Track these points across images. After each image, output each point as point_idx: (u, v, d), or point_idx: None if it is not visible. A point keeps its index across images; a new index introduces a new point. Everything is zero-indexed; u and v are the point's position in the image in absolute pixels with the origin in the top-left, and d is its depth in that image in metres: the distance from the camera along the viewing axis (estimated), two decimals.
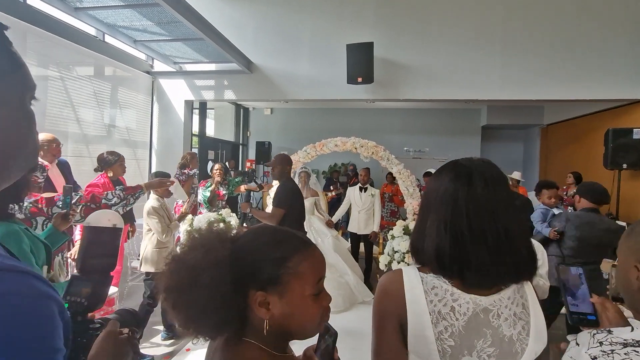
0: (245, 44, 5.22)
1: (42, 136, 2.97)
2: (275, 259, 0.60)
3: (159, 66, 5.74)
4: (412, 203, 4.81)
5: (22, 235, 1.18)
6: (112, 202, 1.74)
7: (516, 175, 5.11)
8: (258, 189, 4.33)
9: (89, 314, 0.64)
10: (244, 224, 3.07)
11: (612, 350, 0.61)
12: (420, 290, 0.73)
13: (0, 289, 0.38)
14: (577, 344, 0.68)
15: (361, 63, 4.85)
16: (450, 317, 0.71)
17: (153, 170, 5.73)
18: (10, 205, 1.25)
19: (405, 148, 8.23)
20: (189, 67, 5.81)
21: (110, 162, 2.96)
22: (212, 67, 5.71)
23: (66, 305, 0.55)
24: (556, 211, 2.73)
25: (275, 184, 3.81)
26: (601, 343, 0.63)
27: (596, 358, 0.62)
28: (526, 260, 0.72)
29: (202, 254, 0.59)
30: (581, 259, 2.31)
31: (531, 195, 4.82)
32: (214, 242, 0.61)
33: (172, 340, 2.90)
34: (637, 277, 0.68)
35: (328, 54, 5.27)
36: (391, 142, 7.07)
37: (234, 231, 0.66)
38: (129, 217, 3.14)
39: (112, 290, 2.82)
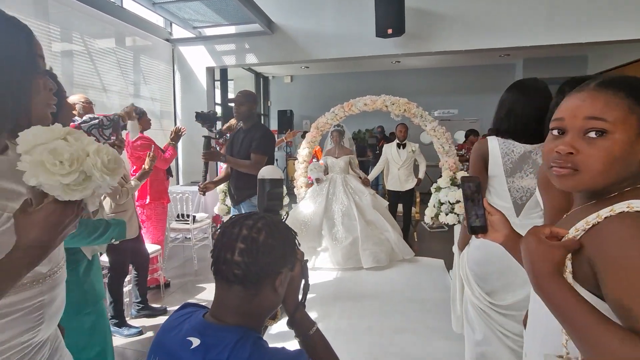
0: (265, 1, 4.95)
1: (76, 97, 2.92)
2: None
3: (177, 33, 5.58)
4: (447, 161, 4.58)
5: None
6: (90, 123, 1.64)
7: None
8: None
9: None
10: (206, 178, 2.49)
11: None
12: (496, 142, 1.43)
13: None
14: None
15: (391, 13, 4.52)
16: (511, 153, 1.41)
17: (180, 141, 5.71)
18: None
19: (435, 112, 7.87)
20: (209, 32, 5.61)
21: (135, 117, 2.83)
22: (232, 29, 5.49)
23: None
24: None
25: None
26: None
27: None
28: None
29: None
30: None
31: None
32: None
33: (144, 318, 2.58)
34: None
35: (355, 6, 4.95)
36: (419, 104, 6.76)
37: None
38: (168, 172, 3.09)
39: (155, 248, 2.81)
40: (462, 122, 7.88)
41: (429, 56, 5.99)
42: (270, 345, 0.70)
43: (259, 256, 0.68)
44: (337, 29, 5.06)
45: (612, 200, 0.58)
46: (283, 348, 0.69)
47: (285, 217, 0.86)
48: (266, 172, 0.97)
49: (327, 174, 3.98)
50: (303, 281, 0.83)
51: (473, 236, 1.48)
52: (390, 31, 4.58)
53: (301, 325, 0.82)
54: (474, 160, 1.47)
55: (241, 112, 2.43)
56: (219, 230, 0.74)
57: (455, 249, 3.15)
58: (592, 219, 0.58)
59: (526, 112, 1.36)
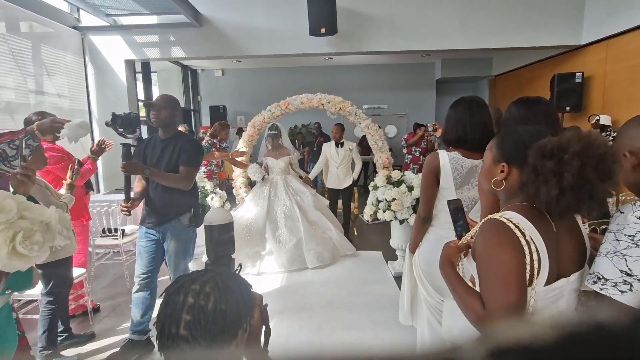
0: None
1: None
2: None
3: (87, 20, 4.92)
4: (381, 157, 4.87)
5: None
6: None
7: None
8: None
9: None
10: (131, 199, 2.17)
11: None
12: (446, 157, 1.57)
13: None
14: (622, 212, 0.90)
15: (324, 12, 4.58)
16: (460, 168, 1.56)
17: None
18: None
19: (365, 106, 8.23)
20: (125, 21, 5.05)
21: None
22: (153, 19, 5.02)
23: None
24: None
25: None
26: None
27: None
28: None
29: None
30: None
31: None
32: None
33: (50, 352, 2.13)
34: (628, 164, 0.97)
35: (287, 2, 4.89)
36: (350, 100, 7.02)
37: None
38: (88, 186, 2.76)
39: (80, 271, 2.52)
40: (391, 116, 8.40)
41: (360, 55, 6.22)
42: None
43: (208, 327, 0.62)
44: (269, 25, 4.96)
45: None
46: None
47: (239, 269, 0.79)
48: (213, 216, 0.89)
49: (268, 174, 3.94)
50: (264, 327, 0.77)
51: (424, 239, 1.64)
52: (323, 30, 4.64)
53: None
54: (427, 174, 1.60)
55: (161, 118, 2.13)
56: (163, 296, 0.66)
57: (401, 251, 3.38)
58: (481, 223, 0.92)
59: (473, 124, 1.51)
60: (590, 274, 0.88)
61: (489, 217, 0.90)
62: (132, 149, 2.12)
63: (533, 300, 0.84)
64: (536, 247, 0.82)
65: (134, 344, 2.24)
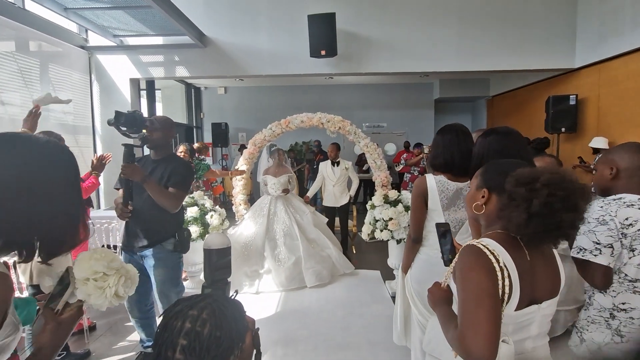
0: (195, 14, 4.79)
1: None
2: None
3: (95, 40, 5.08)
4: (379, 175, 4.92)
5: None
6: None
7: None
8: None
9: None
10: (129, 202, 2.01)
11: (609, 202, 1.25)
12: (433, 181, 1.65)
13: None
14: (590, 205, 1.07)
15: (324, 35, 4.73)
16: (446, 191, 1.63)
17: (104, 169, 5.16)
18: None
19: (364, 124, 8.35)
20: (132, 41, 5.22)
21: None
22: (159, 40, 5.19)
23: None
24: None
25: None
26: (602, 201, 1.26)
27: (602, 207, 1.24)
28: (473, 168, 1.37)
29: None
30: None
31: None
32: None
33: None
34: (609, 174, 1.31)
35: (289, 25, 5.06)
36: (350, 118, 7.14)
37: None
38: (87, 202, 2.80)
39: None
40: (390, 135, 8.52)
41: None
42: None
43: (202, 353, 0.63)
44: (271, 46, 5.12)
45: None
46: None
47: (235, 294, 0.81)
48: (212, 241, 0.92)
49: (269, 193, 3.97)
50: (255, 351, 0.77)
51: (415, 259, 1.68)
52: (323, 52, 4.78)
53: None
54: (415, 197, 1.67)
55: (153, 139, 2.05)
56: (161, 318, 0.69)
57: (398, 271, 3.40)
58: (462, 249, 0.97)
59: (459, 150, 1.60)
60: (574, 247, 1.24)
61: (467, 242, 0.95)
62: (136, 150, 2.00)
63: (503, 324, 0.88)
64: (509, 273, 0.88)
65: (146, 355, 2.23)
